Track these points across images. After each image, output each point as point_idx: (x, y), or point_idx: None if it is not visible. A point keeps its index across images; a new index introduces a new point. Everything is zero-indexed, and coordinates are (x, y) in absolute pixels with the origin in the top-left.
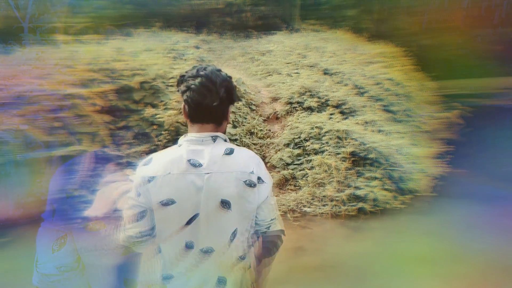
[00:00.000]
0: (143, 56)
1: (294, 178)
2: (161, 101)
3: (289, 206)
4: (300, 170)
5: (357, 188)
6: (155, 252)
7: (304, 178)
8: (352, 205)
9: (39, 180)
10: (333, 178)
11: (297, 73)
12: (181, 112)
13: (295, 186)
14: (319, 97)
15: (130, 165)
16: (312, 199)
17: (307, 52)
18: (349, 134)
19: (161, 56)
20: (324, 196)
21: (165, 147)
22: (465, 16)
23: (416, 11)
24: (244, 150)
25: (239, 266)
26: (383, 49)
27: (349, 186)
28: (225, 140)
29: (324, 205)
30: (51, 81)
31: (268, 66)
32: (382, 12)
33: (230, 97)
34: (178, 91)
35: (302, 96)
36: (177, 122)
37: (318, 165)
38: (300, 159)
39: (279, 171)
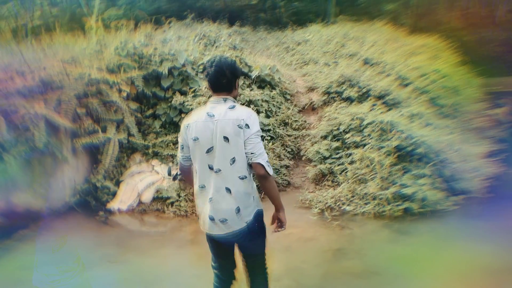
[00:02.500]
0: (173, 42)
1: (332, 173)
2: (190, 87)
3: (326, 203)
4: (338, 165)
5: (403, 186)
6: (195, 172)
7: (343, 174)
8: (397, 205)
9: (62, 170)
10: (376, 174)
11: (335, 62)
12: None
13: (333, 182)
14: (359, 87)
15: (156, 155)
16: (352, 196)
17: (346, 42)
18: (394, 126)
19: (191, 42)
20: (365, 194)
21: None
22: (508, 11)
23: (458, 5)
24: (243, 107)
25: (240, 182)
26: (426, 41)
27: (394, 183)
28: (233, 101)
29: (366, 204)
30: (77, 65)
31: (304, 55)
32: (422, 7)
33: (235, 75)
34: (203, 75)
35: (341, 86)
36: None
37: (359, 160)
38: (338, 153)
39: (315, 165)
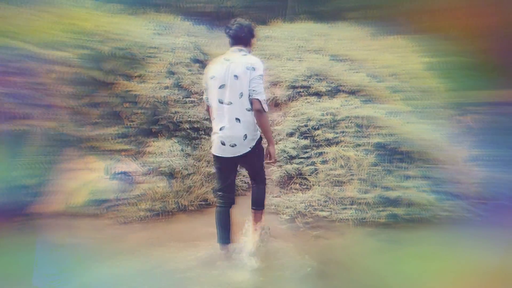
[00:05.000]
0: (122, 22)
1: (300, 174)
2: (136, 72)
3: (295, 209)
4: (308, 165)
5: (386, 188)
6: (210, 107)
7: (314, 175)
8: (380, 210)
9: None
10: (353, 175)
11: (299, 59)
12: (167, 87)
13: (300, 185)
14: (328, 82)
15: (92, 150)
16: (325, 201)
17: (311, 37)
18: (372, 121)
19: (141, 25)
20: (342, 198)
21: (138, 130)
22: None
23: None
24: (254, 56)
25: (247, 113)
26: (394, 42)
27: (374, 185)
28: (247, 52)
29: (343, 209)
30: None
31: (265, 51)
32: (386, 13)
33: (251, 32)
34: (226, 34)
35: (308, 80)
36: (155, 99)
37: (332, 159)
38: (307, 152)
39: (280, 166)
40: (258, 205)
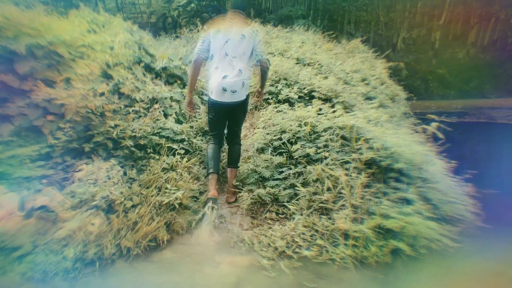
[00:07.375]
0: (42, 16)
1: (276, 200)
2: (61, 75)
3: (275, 247)
4: (285, 189)
5: (385, 217)
6: (210, 59)
7: (294, 202)
8: (382, 246)
9: None
10: (345, 200)
11: None
12: (103, 94)
13: (278, 213)
14: (299, 87)
15: (2, 178)
16: (312, 235)
17: (271, 40)
18: (360, 133)
19: (70, 22)
20: (333, 231)
21: (66, 149)
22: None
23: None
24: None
25: (247, 66)
26: (355, 46)
27: (371, 213)
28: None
29: (336, 245)
30: None
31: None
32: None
33: (247, 1)
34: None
35: (276, 85)
36: (88, 110)
37: (316, 181)
38: (283, 171)
39: (251, 190)
40: (234, 163)
